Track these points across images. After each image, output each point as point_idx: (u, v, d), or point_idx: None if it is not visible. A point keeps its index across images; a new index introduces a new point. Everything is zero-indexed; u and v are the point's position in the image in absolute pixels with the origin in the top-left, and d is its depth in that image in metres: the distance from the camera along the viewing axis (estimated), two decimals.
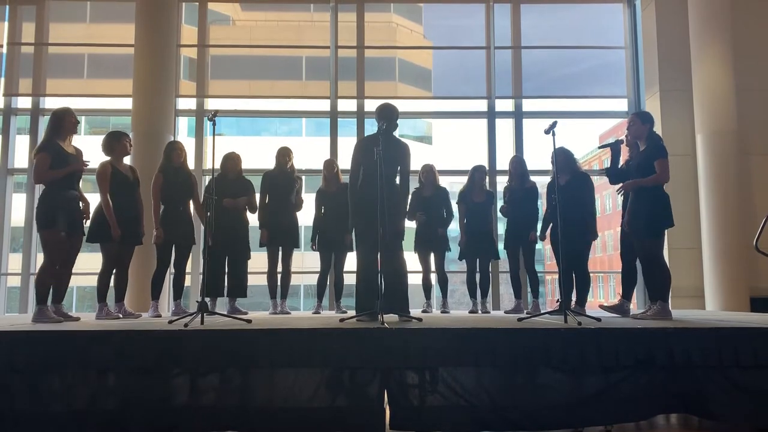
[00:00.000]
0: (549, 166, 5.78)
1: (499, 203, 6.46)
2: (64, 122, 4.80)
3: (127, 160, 5.46)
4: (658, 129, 8.04)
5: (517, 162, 6.28)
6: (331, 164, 6.42)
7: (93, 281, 5.19)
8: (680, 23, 8.37)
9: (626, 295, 5.18)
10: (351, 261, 6.50)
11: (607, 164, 5.17)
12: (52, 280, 4.76)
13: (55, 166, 4.66)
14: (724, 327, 3.83)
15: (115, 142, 5.23)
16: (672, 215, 4.72)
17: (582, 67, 9.35)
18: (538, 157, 5.90)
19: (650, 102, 8.62)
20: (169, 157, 5.59)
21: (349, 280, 6.70)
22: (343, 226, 6.23)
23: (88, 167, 4.90)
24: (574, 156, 5.68)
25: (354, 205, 4.88)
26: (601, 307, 5.35)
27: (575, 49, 9.28)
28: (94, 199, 5.11)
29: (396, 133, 5.07)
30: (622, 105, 9.16)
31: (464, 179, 6.50)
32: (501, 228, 6.64)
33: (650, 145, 4.77)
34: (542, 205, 6.18)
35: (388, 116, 4.89)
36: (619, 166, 5.07)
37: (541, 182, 6.35)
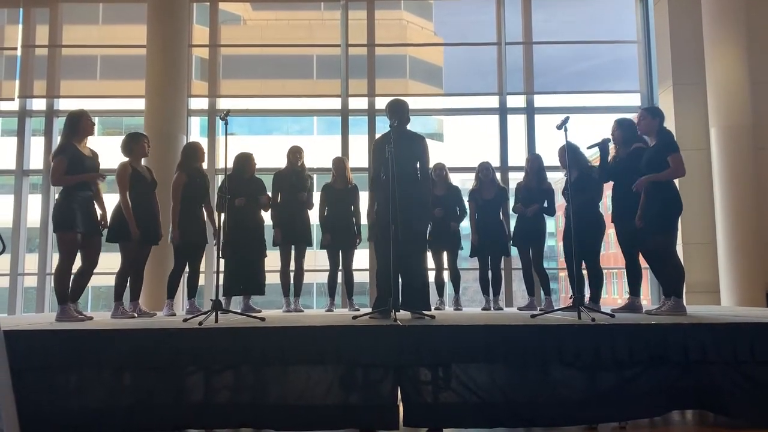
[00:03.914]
0: (557, 162, 5.78)
1: (512, 200, 6.44)
2: (80, 124, 4.87)
3: (142, 160, 5.50)
4: (671, 123, 8.01)
5: (534, 159, 6.23)
6: (340, 161, 6.43)
7: (108, 281, 5.24)
8: (693, 17, 8.29)
9: (634, 292, 5.14)
10: (360, 259, 6.54)
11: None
12: (69, 279, 4.81)
13: (72, 168, 4.73)
14: (740, 322, 3.79)
15: (133, 144, 5.28)
16: (681, 202, 4.69)
17: (594, 63, 9.29)
18: (551, 153, 5.85)
19: (663, 96, 8.55)
20: (192, 157, 5.61)
21: (360, 277, 6.73)
22: (349, 225, 6.25)
23: (104, 179, 4.97)
24: (581, 151, 5.63)
25: (375, 203, 4.87)
26: (613, 311, 5.31)
27: (587, 45, 9.23)
28: (111, 200, 5.16)
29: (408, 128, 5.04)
30: (634, 100, 9.08)
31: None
32: (513, 225, 6.62)
33: (661, 140, 4.74)
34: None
35: (398, 112, 4.88)
36: (608, 163, 5.12)
37: (552, 178, 6.31)
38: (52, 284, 8.55)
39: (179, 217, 5.47)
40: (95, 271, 4.97)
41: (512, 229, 6.36)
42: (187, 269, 5.66)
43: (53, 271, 8.50)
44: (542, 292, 6.14)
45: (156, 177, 5.54)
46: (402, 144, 4.67)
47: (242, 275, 5.85)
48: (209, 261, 8.30)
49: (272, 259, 6.15)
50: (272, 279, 6.32)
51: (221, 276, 4.77)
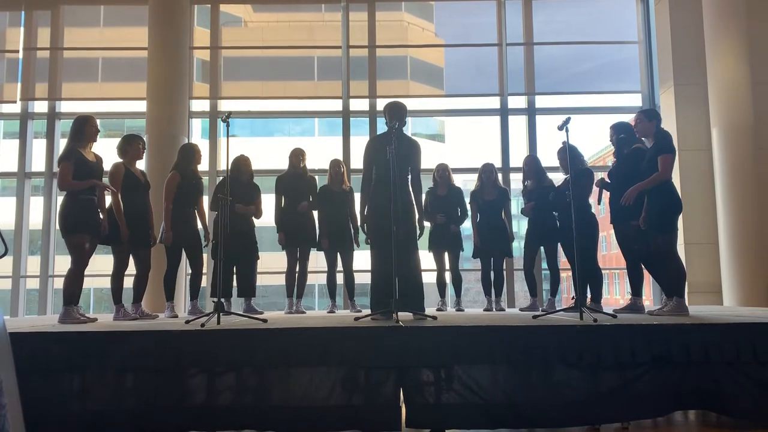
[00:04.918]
0: (556, 163, 5.79)
1: (515, 203, 6.43)
2: (85, 130, 4.89)
3: (142, 162, 5.50)
4: (672, 124, 8.02)
5: (531, 161, 6.24)
6: (337, 164, 6.42)
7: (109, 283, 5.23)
8: (694, 17, 8.29)
9: (636, 292, 5.16)
10: (360, 259, 6.54)
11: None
12: (80, 282, 4.84)
13: (78, 173, 4.75)
14: (742, 322, 3.79)
15: (127, 145, 5.29)
16: (680, 202, 4.73)
17: (595, 63, 9.29)
18: (552, 154, 5.85)
19: (665, 97, 8.55)
20: (188, 158, 5.61)
21: (361, 278, 6.72)
22: (346, 227, 6.25)
23: (111, 192, 4.99)
24: (578, 152, 5.63)
25: (367, 204, 4.89)
26: (615, 311, 5.31)
27: (588, 45, 9.24)
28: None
29: (408, 132, 5.07)
30: (636, 100, 9.08)
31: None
32: (516, 226, 6.62)
33: (657, 140, 4.76)
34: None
35: (398, 114, 4.90)
36: (609, 172, 5.20)
37: (554, 178, 6.32)
38: (57, 286, 8.59)
39: (172, 218, 5.47)
40: (100, 273, 4.98)
41: (516, 230, 6.35)
42: (189, 271, 5.67)
43: (54, 273, 8.59)
44: (546, 292, 6.13)
45: (157, 179, 5.54)
46: (397, 146, 4.69)
47: (232, 278, 5.89)
48: (207, 263, 8.32)
49: (273, 261, 6.16)
50: (273, 281, 6.33)
51: (219, 278, 4.78)
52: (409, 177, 4.96)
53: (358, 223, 6.02)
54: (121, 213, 5.07)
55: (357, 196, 6.36)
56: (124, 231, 5.05)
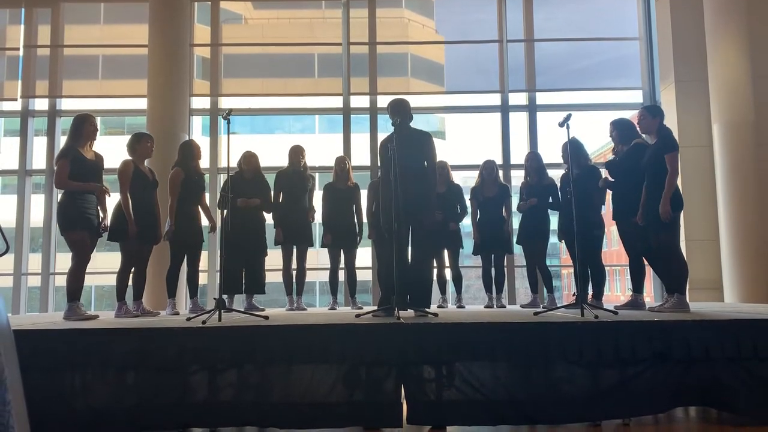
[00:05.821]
0: (560, 159, 5.79)
1: (515, 198, 6.43)
2: (83, 129, 4.92)
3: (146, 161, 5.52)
4: (673, 120, 8.01)
5: (533, 157, 6.23)
6: (342, 161, 6.42)
7: (111, 280, 5.25)
8: (695, 13, 8.27)
9: (637, 289, 5.16)
10: (361, 256, 6.55)
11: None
12: (82, 278, 4.86)
13: (74, 172, 4.78)
14: (743, 319, 3.80)
15: (136, 143, 5.31)
16: (681, 198, 4.74)
17: (596, 60, 9.28)
18: (553, 151, 5.86)
19: (665, 93, 8.54)
20: (189, 155, 5.62)
21: (362, 276, 6.72)
22: (350, 224, 6.25)
23: (109, 195, 5.02)
24: (584, 149, 5.63)
25: (383, 202, 4.88)
26: (616, 308, 5.32)
27: (588, 42, 9.22)
28: (112, 199, 5.17)
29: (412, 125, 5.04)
30: (637, 97, 9.07)
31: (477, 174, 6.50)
32: (516, 223, 6.62)
33: (660, 137, 4.77)
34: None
35: (400, 110, 4.88)
36: (610, 170, 5.20)
37: (554, 175, 6.31)
38: (58, 284, 8.61)
39: (176, 215, 5.48)
40: (100, 270, 4.99)
41: (516, 227, 6.36)
42: (186, 268, 5.68)
43: (55, 271, 8.60)
44: (545, 289, 6.14)
45: (158, 176, 5.55)
46: (408, 142, 4.67)
47: (241, 274, 5.88)
48: (211, 260, 8.33)
49: (274, 258, 6.16)
50: (275, 278, 6.33)
51: (222, 275, 4.78)
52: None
53: (366, 220, 6.05)
54: (130, 209, 5.09)
55: (362, 193, 6.38)
56: (132, 228, 5.07)
